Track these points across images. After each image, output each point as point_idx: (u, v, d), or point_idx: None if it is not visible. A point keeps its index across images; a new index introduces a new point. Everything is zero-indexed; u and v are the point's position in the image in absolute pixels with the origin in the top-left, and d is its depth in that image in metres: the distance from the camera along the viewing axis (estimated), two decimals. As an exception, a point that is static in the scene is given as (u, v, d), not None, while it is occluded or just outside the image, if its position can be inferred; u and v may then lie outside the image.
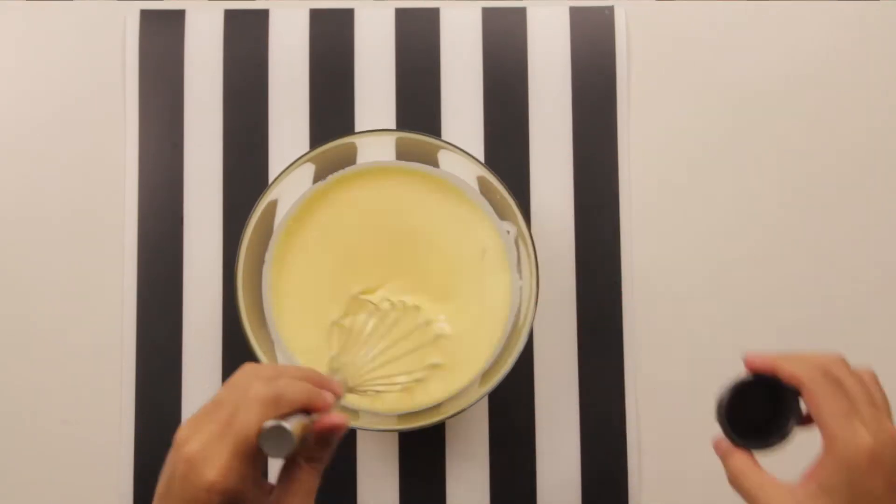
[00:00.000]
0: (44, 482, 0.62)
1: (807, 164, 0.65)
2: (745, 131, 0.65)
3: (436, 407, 0.57)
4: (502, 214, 0.58)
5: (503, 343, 0.57)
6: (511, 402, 0.62)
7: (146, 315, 0.63)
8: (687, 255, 0.64)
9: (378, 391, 0.54)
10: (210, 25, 0.65)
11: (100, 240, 0.64)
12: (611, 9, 0.65)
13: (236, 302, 0.55)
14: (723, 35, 0.66)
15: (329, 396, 0.43)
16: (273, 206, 0.58)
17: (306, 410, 0.42)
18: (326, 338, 0.57)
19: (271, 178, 0.64)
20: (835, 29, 0.66)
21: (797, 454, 0.44)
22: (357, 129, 0.65)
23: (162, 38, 0.65)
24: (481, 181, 0.58)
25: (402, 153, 0.59)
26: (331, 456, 0.43)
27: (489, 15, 0.65)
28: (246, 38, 0.65)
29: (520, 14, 0.65)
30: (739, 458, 0.45)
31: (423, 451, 0.62)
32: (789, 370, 0.43)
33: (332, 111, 0.65)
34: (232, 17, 0.65)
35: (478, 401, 0.55)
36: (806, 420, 0.44)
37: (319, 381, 0.44)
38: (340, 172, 0.59)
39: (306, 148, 0.64)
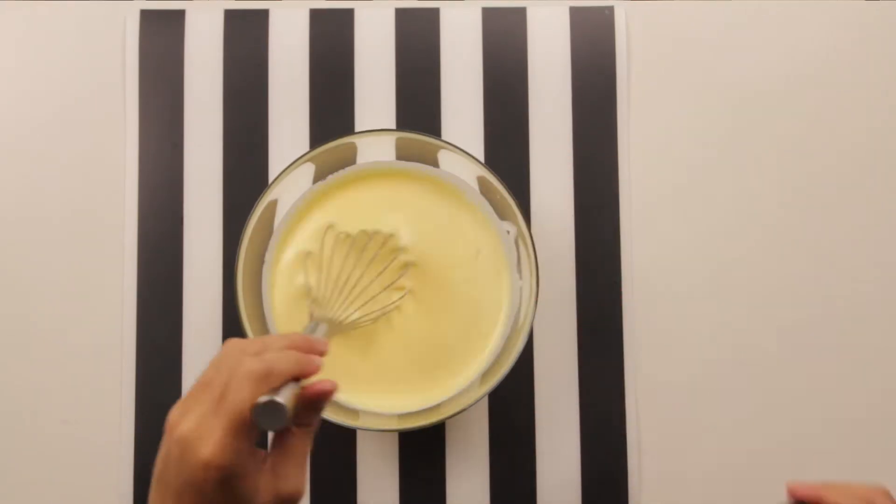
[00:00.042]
0: (44, 482, 0.62)
1: (807, 164, 0.65)
2: (745, 131, 0.65)
3: (436, 407, 0.57)
4: (502, 214, 0.58)
5: (503, 343, 0.57)
6: (511, 402, 0.62)
7: (146, 315, 0.63)
8: (687, 255, 0.64)
9: (357, 322, 0.55)
10: (210, 25, 0.65)
11: (100, 240, 0.64)
12: (611, 9, 0.65)
13: (236, 302, 0.55)
14: (723, 35, 0.66)
15: (317, 360, 0.43)
16: (273, 206, 0.58)
17: (296, 378, 0.42)
18: (301, 270, 0.57)
19: (271, 178, 0.64)
20: (835, 29, 0.66)
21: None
22: (357, 129, 0.65)
23: (162, 38, 0.65)
24: (481, 181, 0.58)
25: (402, 153, 0.59)
26: (319, 418, 0.44)
27: (489, 15, 0.65)
28: (246, 38, 0.65)
29: (520, 14, 0.65)
30: None
31: (423, 451, 0.62)
32: (833, 502, 0.44)
33: (332, 111, 0.65)
34: (232, 17, 0.65)
35: (478, 401, 0.55)
36: None
37: (306, 346, 0.44)
38: (340, 172, 0.59)
39: (306, 148, 0.64)
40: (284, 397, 0.39)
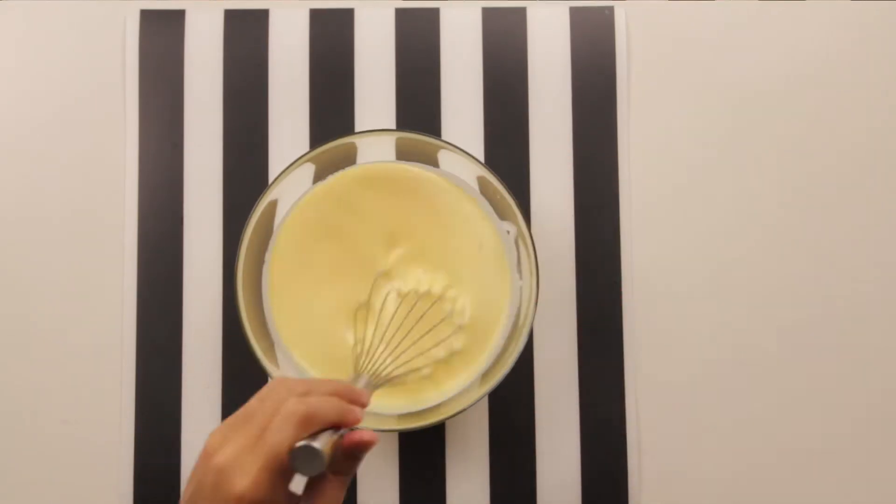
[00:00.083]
0: (44, 482, 0.62)
1: (807, 164, 0.65)
2: (745, 131, 0.65)
3: (436, 407, 0.57)
4: (502, 214, 0.58)
5: (503, 343, 0.57)
6: (511, 402, 0.62)
7: (146, 315, 0.63)
8: (687, 255, 0.64)
9: (402, 377, 0.55)
10: (210, 25, 0.65)
11: (100, 240, 0.64)
12: (611, 9, 0.65)
13: (236, 302, 0.55)
14: (723, 35, 0.66)
15: (359, 412, 0.43)
16: (273, 206, 0.58)
17: (336, 426, 0.42)
18: (351, 323, 0.57)
19: (271, 178, 0.64)
20: (835, 29, 0.66)
21: None
22: (357, 129, 0.65)
23: (162, 38, 0.65)
24: (481, 181, 0.58)
25: (402, 153, 0.59)
26: (356, 468, 0.44)
27: (489, 15, 0.65)
28: (246, 38, 0.65)
29: (520, 14, 0.65)
30: None
31: (423, 451, 0.62)
32: None
33: (332, 111, 0.65)
34: (232, 17, 0.65)
35: (478, 401, 0.55)
36: None
37: (349, 395, 0.44)
38: (340, 172, 0.59)
39: (306, 148, 0.64)
40: (322, 444, 0.39)
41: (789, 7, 0.66)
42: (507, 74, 0.65)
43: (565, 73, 0.65)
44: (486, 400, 0.62)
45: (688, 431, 0.63)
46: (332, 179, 0.59)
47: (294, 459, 0.39)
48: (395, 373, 0.54)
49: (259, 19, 0.65)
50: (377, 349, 0.54)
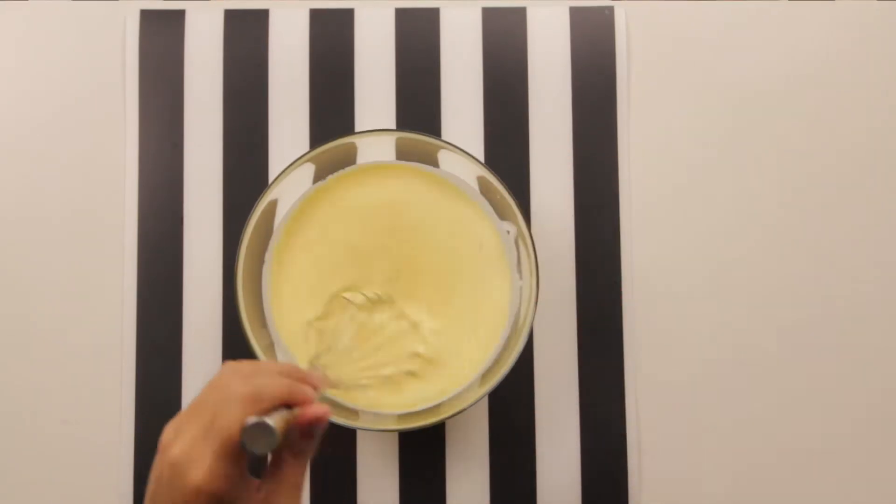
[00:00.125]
0: (44, 482, 0.62)
1: (807, 164, 0.65)
2: (745, 131, 0.65)
3: (436, 407, 0.57)
4: (502, 214, 0.58)
5: (503, 343, 0.57)
6: (511, 403, 0.62)
7: (146, 315, 0.63)
8: (687, 255, 0.64)
9: (362, 385, 0.55)
10: (210, 25, 0.65)
11: (100, 240, 0.64)
12: (611, 9, 0.65)
13: (236, 302, 0.55)
14: (723, 35, 0.66)
15: (310, 390, 0.43)
16: (273, 205, 0.58)
17: (288, 405, 0.42)
18: (303, 338, 0.57)
19: (271, 178, 0.64)
20: (835, 29, 0.66)
21: None
22: (357, 129, 0.65)
23: (162, 38, 0.65)
24: (481, 181, 0.58)
25: (402, 153, 0.59)
26: (315, 447, 0.44)
27: (489, 15, 0.65)
28: (246, 38, 0.65)
29: (520, 14, 0.65)
30: None
31: (423, 451, 0.62)
32: None
33: (332, 111, 0.65)
34: (232, 17, 0.65)
35: (478, 401, 0.55)
36: None
37: (300, 376, 0.44)
38: (340, 172, 0.59)
39: (306, 148, 0.64)
40: (273, 420, 0.39)
41: (789, 7, 0.66)
42: (507, 74, 0.65)
43: (565, 73, 0.65)
44: (486, 400, 0.62)
45: (688, 431, 0.63)
46: (332, 179, 0.59)
47: (245, 437, 0.38)
48: (353, 384, 0.55)
49: (259, 19, 0.65)
50: (333, 363, 0.54)
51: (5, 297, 0.63)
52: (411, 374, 0.57)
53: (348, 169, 0.59)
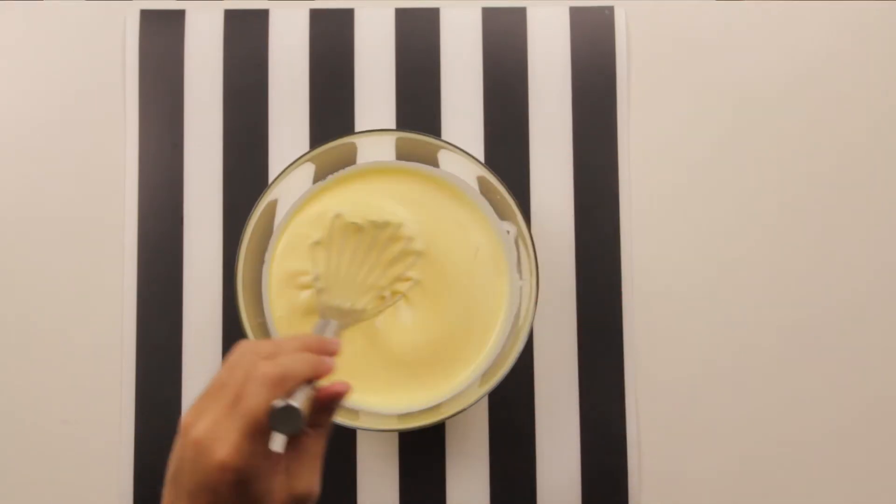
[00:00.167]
0: (44, 482, 0.62)
1: (807, 164, 0.65)
2: (745, 131, 0.65)
3: (436, 407, 0.57)
4: (502, 214, 0.58)
5: (503, 343, 0.57)
6: (511, 403, 0.62)
7: (146, 315, 0.63)
8: (687, 255, 0.64)
9: (367, 307, 0.56)
10: (210, 25, 0.65)
11: (100, 240, 0.64)
12: (611, 9, 0.65)
13: (236, 302, 0.55)
14: (723, 35, 0.66)
15: (330, 361, 0.44)
16: (273, 206, 0.58)
17: (309, 380, 0.42)
18: (309, 259, 0.58)
19: (271, 178, 0.64)
20: (835, 29, 0.66)
21: None
22: (357, 129, 0.65)
23: (162, 38, 0.65)
24: (481, 181, 0.58)
25: (402, 153, 0.59)
26: (332, 418, 0.44)
27: (489, 15, 0.65)
28: (246, 38, 0.65)
29: (520, 14, 0.65)
30: None
31: (423, 450, 0.62)
32: None
33: (332, 111, 0.65)
34: (232, 17, 0.65)
35: (478, 401, 0.55)
36: None
37: (319, 347, 0.45)
38: (340, 172, 0.59)
39: (306, 148, 0.64)
40: (299, 401, 0.40)
41: (789, 7, 0.66)
42: (507, 74, 0.65)
43: (565, 73, 0.65)
44: (486, 400, 0.62)
45: (688, 431, 0.63)
46: (332, 180, 0.59)
47: (273, 420, 0.39)
48: (358, 307, 0.55)
49: (259, 19, 0.65)
50: (337, 284, 0.55)
51: (5, 297, 0.63)
52: (417, 282, 0.58)
53: (348, 168, 0.59)
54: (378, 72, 0.65)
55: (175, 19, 0.65)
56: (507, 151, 0.64)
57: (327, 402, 0.43)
